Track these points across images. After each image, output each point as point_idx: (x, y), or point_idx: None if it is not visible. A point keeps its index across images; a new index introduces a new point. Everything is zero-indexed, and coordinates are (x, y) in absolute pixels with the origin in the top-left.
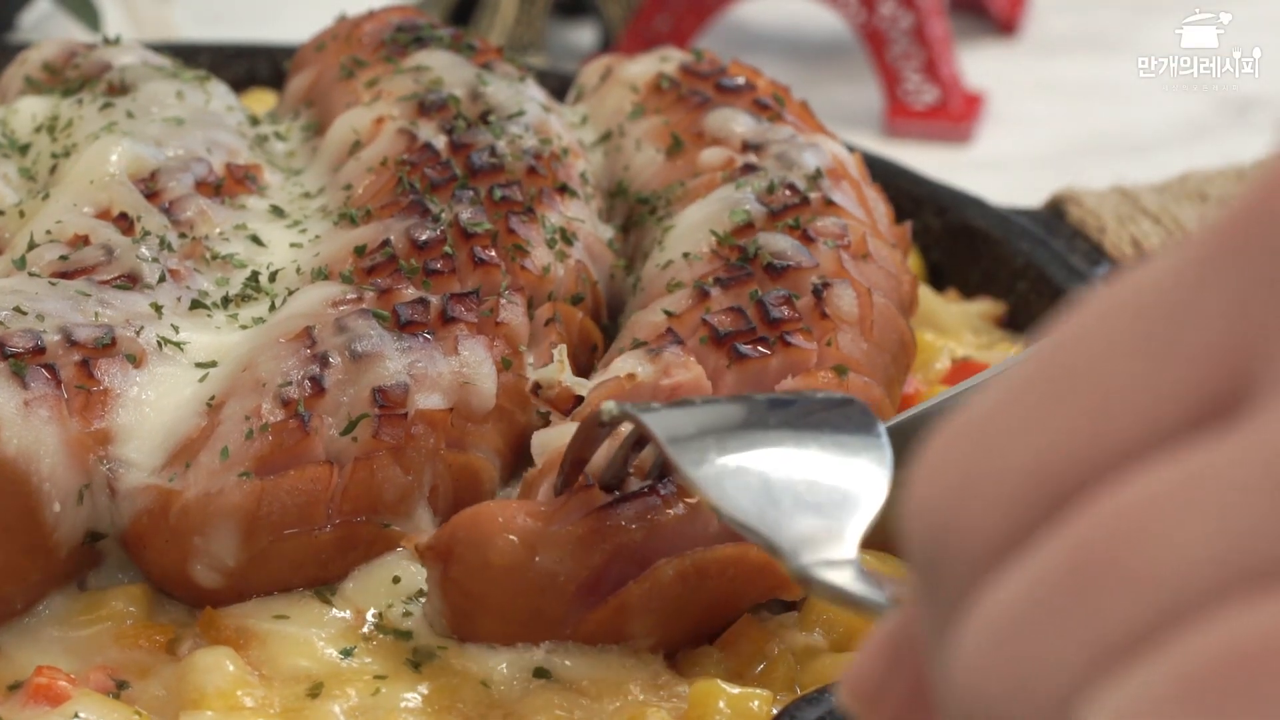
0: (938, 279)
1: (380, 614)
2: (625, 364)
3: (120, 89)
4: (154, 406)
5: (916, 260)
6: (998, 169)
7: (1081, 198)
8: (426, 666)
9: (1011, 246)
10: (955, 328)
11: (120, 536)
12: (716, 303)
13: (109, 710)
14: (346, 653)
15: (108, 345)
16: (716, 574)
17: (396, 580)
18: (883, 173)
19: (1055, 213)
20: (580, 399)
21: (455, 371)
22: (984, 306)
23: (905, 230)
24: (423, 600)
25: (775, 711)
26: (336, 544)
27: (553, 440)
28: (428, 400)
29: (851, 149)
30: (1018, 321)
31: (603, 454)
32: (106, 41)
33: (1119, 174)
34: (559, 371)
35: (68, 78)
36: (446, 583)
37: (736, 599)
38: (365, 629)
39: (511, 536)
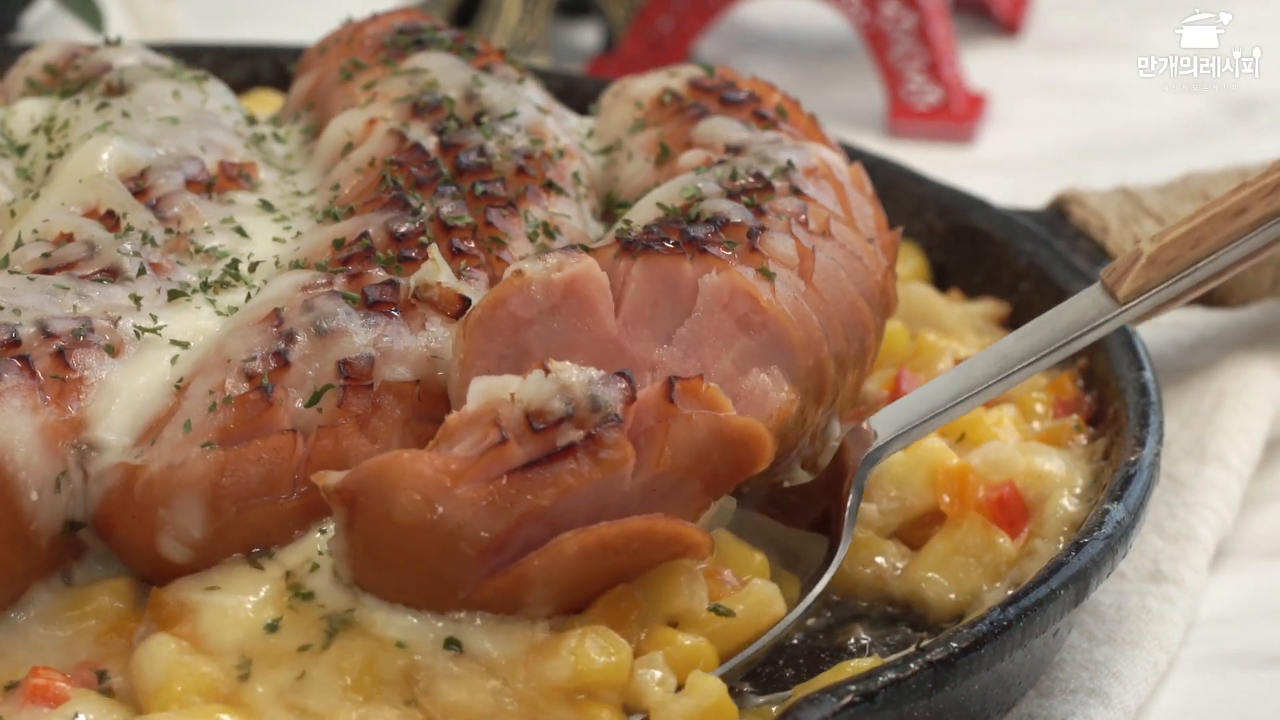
0: (941, 279)
1: (291, 571)
2: (515, 265)
3: (118, 89)
4: (128, 390)
5: (920, 260)
6: (1000, 169)
7: (1084, 198)
8: (343, 634)
9: (1014, 247)
10: (958, 328)
11: (91, 518)
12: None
13: (108, 710)
14: (272, 627)
15: (84, 336)
16: (619, 548)
17: (324, 532)
18: (885, 173)
19: (1058, 213)
20: (466, 301)
21: (423, 346)
22: (987, 307)
23: (895, 236)
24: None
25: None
26: (303, 512)
27: (489, 390)
28: (395, 373)
29: (853, 158)
30: (1020, 322)
31: (531, 390)
32: (108, 43)
33: (1122, 174)
34: (435, 272)
35: (68, 79)
36: (350, 529)
37: (638, 568)
38: (289, 595)
39: (415, 495)
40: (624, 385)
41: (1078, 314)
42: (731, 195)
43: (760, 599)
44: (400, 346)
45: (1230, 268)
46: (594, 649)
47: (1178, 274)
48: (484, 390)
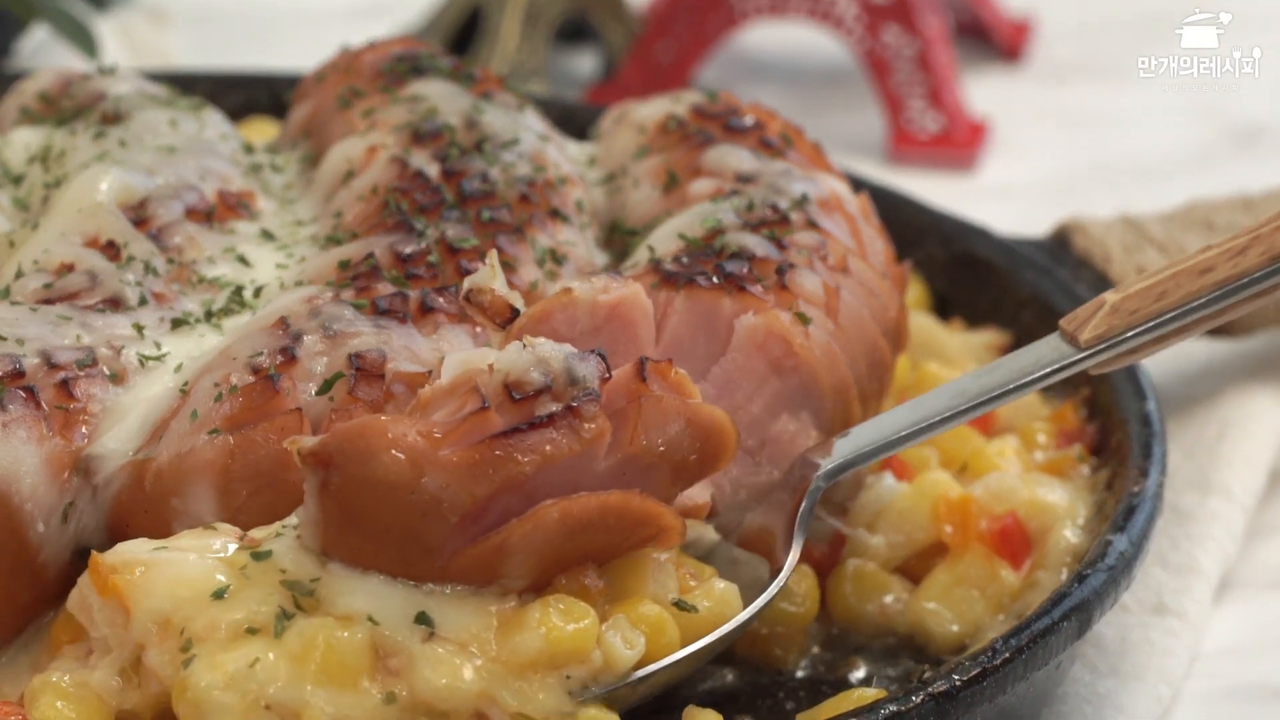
0: (943, 309)
1: (253, 536)
2: (562, 283)
3: (114, 118)
4: (132, 403)
5: (922, 289)
6: (1003, 197)
7: (1087, 227)
8: (302, 615)
9: (1016, 276)
10: (960, 357)
11: (105, 525)
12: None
13: None
14: (218, 595)
15: (88, 366)
16: (598, 522)
17: None
18: (886, 202)
19: (1061, 242)
20: (516, 311)
21: (435, 348)
22: (989, 336)
23: (904, 269)
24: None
25: None
26: None
27: (467, 361)
28: (406, 367)
29: (858, 189)
30: None
31: (508, 360)
32: (102, 71)
33: (1125, 202)
34: (491, 277)
35: (62, 107)
36: (324, 492)
37: (612, 549)
38: (245, 558)
39: (399, 454)
40: (599, 362)
41: (1037, 357)
42: (750, 228)
43: (722, 598)
44: (413, 347)
45: (1192, 325)
46: (560, 617)
47: (1139, 325)
48: (461, 361)
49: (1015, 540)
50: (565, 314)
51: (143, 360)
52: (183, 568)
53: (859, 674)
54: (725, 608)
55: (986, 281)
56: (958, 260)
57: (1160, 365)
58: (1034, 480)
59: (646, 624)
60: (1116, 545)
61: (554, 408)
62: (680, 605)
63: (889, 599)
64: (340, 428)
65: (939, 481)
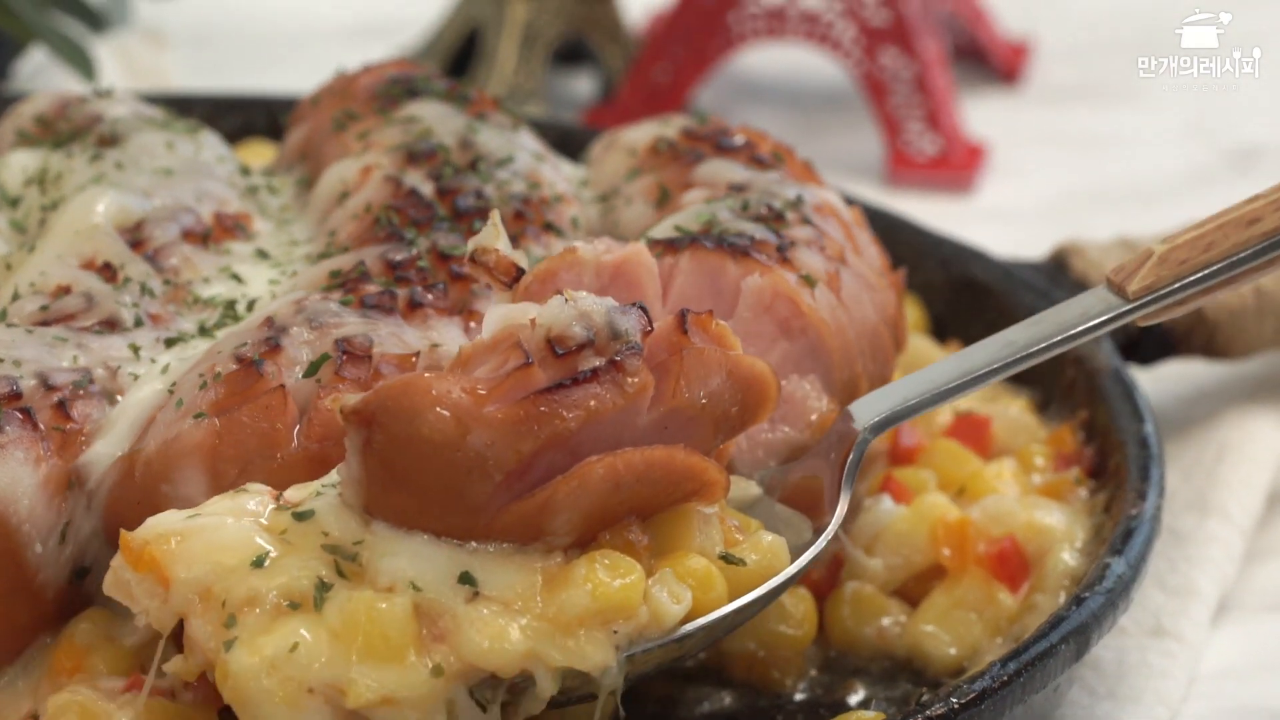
0: (940, 331)
1: (291, 500)
2: (567, 245)
3: (111, 141)
4: (121, 411)
5: (919, 312)
6: (1001, 220)
7: (1085, 249)
8: (341, 585)
9: (1014, 298)
10: None
11: (102, 530)
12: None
13: None
14: (259, 562)
15: (85, 386)
16: (643, 476)
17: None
18: (884, 225)
19: (1059, 264)
20: (521, 270)
21: (424, 336)
22: None
23: (900, 276)
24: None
25: None
26: (307, 464)
27: (510, 315)
28: (394, 350)
29: (851, 202)
30: (1020, 374)
31: (550, 314)
32: (99, 93)
33: (1123, 225)
34: (495, 237)
35: (59, 130)
36: (368, 450)
37: (657, 504)
38: (282, 522)
39: (443, 411)
40: (641, 315)
41: (1085, 308)
42: (748, 221)
43: (770, 550)
44: (400, 335)
45: (1239, 276)
46: (606, 572)
47: (1187, 275)
48: (502, 316)
49: (1013, 563)
50: (571, 273)
51: (137, 379)
52: (221, 533)
53: (857, 697)
54: (774, 560)
55: (984, 304)
56: (955, 283)
57: (1158, 387)
58: (1032, 503)
59: (693, 578)
60: (1114, 568)
61: (597, 362)
62: (727, 558)
63: (887, 622)
64: (384, 385)
65: (937, 504)
